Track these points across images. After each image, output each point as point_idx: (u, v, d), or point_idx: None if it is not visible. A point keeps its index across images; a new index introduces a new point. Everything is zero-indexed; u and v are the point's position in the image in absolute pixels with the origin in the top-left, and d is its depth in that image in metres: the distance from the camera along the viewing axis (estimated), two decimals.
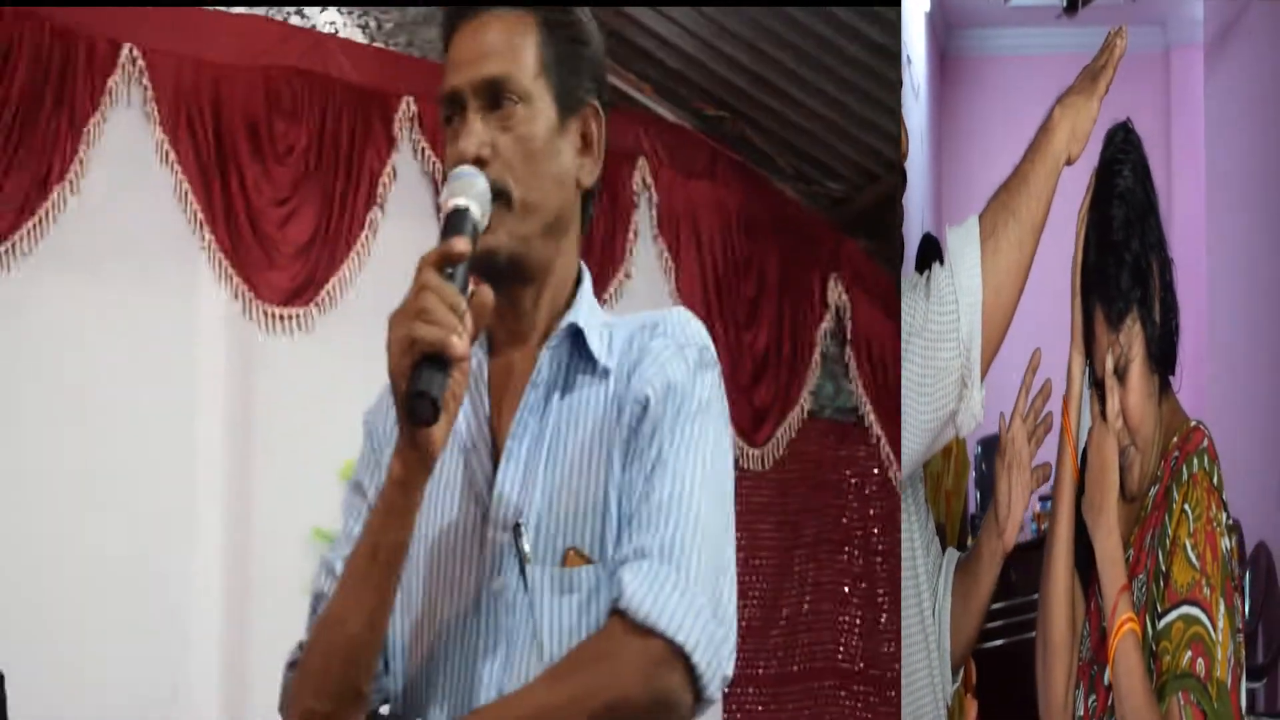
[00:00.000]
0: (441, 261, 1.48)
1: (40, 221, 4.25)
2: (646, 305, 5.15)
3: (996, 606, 2.39)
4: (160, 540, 4.38)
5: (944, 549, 2.42)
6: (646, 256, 5.37)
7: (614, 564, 1.58)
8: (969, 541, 3.20)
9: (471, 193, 1.57)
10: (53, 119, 4.30)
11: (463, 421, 1.69)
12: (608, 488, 1.61)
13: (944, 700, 2.31)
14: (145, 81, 4.46)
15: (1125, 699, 2.00)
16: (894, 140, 5.49)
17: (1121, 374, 2.11)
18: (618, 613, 1.53)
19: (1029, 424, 2.27)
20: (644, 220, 5.37)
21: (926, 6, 6.60)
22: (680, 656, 1.51)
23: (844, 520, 5.81)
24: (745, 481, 5.43)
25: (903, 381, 2.10)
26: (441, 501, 1.69)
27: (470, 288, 1.51)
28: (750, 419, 5.49)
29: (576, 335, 1.69)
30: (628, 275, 5.28)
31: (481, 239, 1.59)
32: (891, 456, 5.79)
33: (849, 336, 5.77)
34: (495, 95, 1.66)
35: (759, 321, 5.57)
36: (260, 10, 4.74)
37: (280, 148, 4.64)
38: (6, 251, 4.20)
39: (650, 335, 1.69)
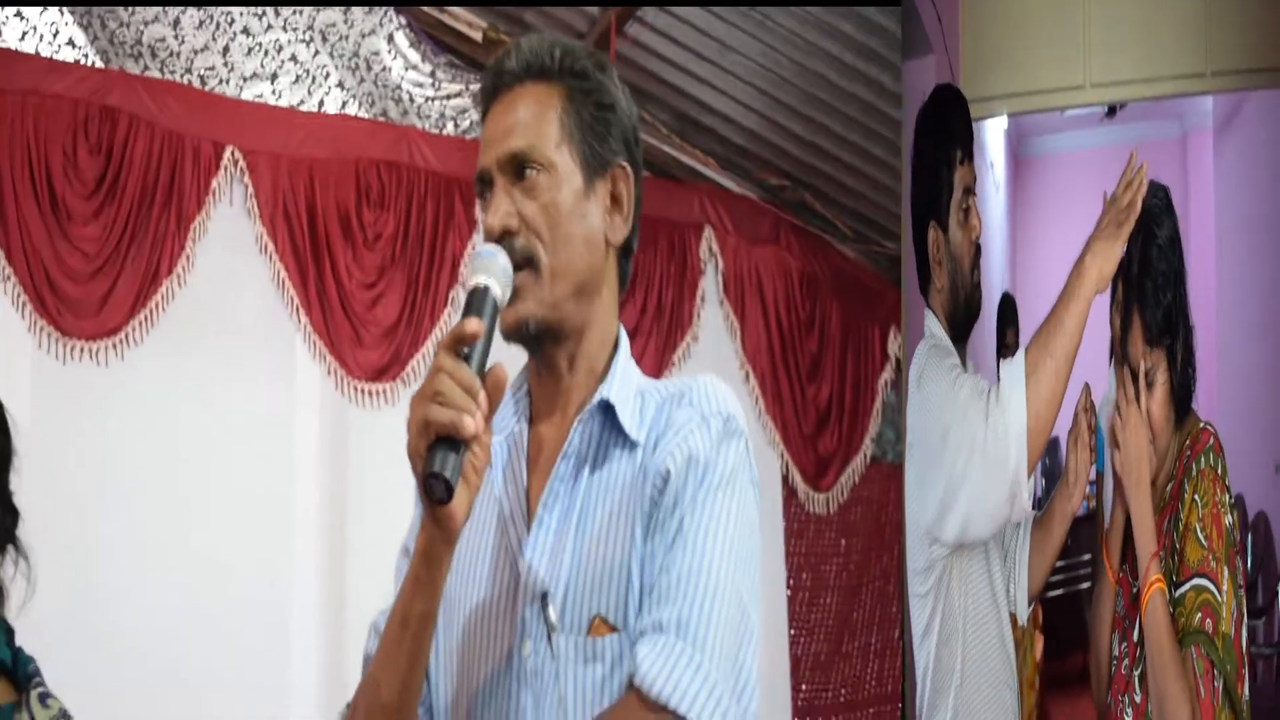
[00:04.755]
0: (456, 343, 1.43)
1: (150, 313, 4.29)
2: (712, 365, 5.09)
3: (1056, 564, 2.74)
4: (261, 593, 4.40)
5: None
6: (713, 319, 5.30)
7: (634, 635, 1.50)
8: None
9: (492, 270, 1.52)
10: (162, 218, 4.33)
11: (501, 489, 1.64)
12: (631, 557, 1.53)
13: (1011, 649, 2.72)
14: (246, 180, 4.48)
15: (1153, 642, 2.28)
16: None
17: (1151, 384, 2.37)
18: (634, 688, 1.46)
19: (1090, 415, 2.58)
20: (710, 286, 5.30)
21: (1004, 125, 7.67)
22: None
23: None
24: (810, 525, 5.36)
25: (968, 483, 2.48)
26: (479, 565, 1.64)
27: (488, 365, 1.45)
28: (815, 466, 5.41)
29: (608, 409, 1.61)
30: (695, 338, 5.21)
31: (512, 308, 1.56)
32: None
33: None
34: (519, 167, 1.61)
35: (822, 374, 5.48)
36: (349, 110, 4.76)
37: (370, 235, 4.65)
38: (120, 341, 4.24)
39: (677, 405, 1.60)
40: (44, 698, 2.01)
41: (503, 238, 1.58)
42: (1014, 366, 2.42)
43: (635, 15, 4.92)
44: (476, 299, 1.50)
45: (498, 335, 1.53)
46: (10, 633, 2.04)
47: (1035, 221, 8.92)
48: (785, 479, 5.34)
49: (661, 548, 1.52)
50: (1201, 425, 2.38)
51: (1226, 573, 2.26)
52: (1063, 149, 9.14)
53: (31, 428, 3.97)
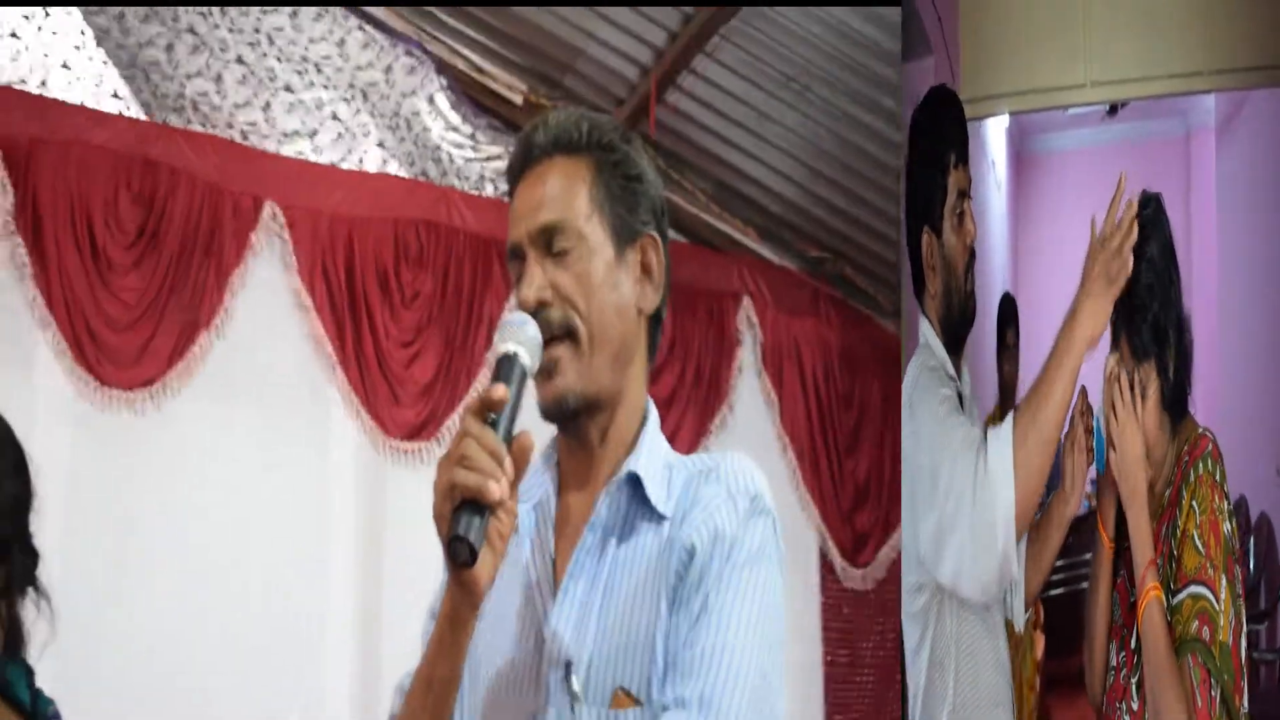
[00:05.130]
0: (483, 409, 1.44)
1: (188, 364, 4.22)
2: (749, 437, 5.03)
3: (1058, 563, 2.66)
4: (296, 647, 4.33)
5: None
6: (750, 391, 5.23)
7: (657, 709, 1.49)
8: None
9: (520, 338, 1.53)
10: (201, 270, 4.29)
11: (528, 557, 1.64)
12: (656, 631, 1.53)
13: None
14: (285, 235, 4.44)
15: (1150, 650, 2.25)
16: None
17: (1142, 396, 2.33)
18: None
19: (1087, 418, 2.52)
20: (748, 356, 5.24)
21: (1006, 124, 7.68)
22: None
23: None
24: (847, 601, 5.25)
25: (956, 539, 2.39)
26: (505, 631, 1.63)
27: (515, 432, 1.46)
28: (852, 541, 5.31)
29: (636, 481, 1.61)
30: (731, 408, 5.15)
31: (551, 383, 1.58)
32: None
33: None
34: (550, 240, 1.62)
35: (860, 449, 5.41)
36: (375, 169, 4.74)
37: (407, 294, 4.61)
38: (157, 391, 4.17)
39: (705, 481, 1.60)
40: None
41: (538, 310, 1.58)
42: (1002, 440, 2.37)
43: (675, 83, 4.92)
44: (505, 366, 1.51)
45: (531, 408, 1.55)
46: (30, 674, 1.99)
47: (1037, 220, 8.98)
48: (822, 554, 5.24)
49: (686, 623, 1.51)
50: (1200, 431, 2.36)
51: (1225, 580, 2.24)
52: (1065, 147, 9.20)
53: (68, 475, 3.96)
